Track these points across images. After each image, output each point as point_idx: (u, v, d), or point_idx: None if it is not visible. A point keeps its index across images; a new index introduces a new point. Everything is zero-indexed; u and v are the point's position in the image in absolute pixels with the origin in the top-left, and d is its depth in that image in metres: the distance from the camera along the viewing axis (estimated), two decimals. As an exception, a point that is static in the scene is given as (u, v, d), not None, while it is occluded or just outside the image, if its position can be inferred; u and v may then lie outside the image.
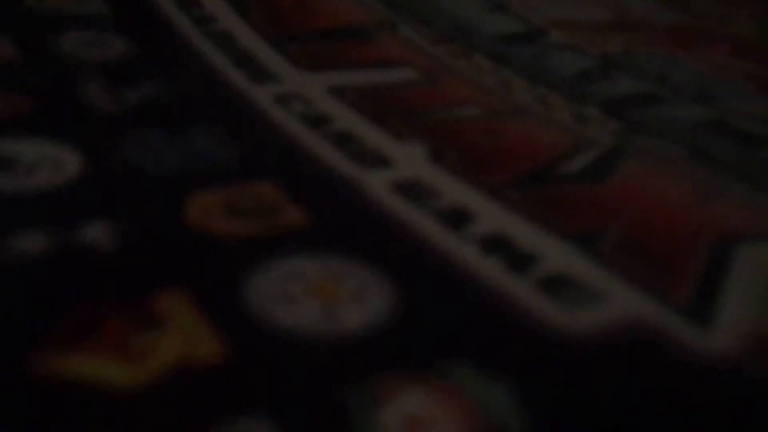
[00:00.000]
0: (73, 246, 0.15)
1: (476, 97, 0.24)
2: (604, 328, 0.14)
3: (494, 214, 0.18)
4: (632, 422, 0.13)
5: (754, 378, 0.14)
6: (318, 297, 0.14)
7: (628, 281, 0.16)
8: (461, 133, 0.21)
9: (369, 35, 0.27)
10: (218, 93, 0.22)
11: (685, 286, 0.16)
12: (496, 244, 0.17)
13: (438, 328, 0.14)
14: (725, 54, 0.29)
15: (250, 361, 0.13)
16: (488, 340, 0.14)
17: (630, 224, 0.18)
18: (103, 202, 0.17)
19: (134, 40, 0.24)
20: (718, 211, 0.19)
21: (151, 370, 0.12)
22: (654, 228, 0.18)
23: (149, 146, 0.19)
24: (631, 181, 0.20)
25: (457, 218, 0.17)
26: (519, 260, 0.16)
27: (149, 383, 0.12)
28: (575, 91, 0.25)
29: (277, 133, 0.21)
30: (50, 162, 0.18)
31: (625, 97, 0.25)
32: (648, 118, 0.23)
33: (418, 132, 0.21)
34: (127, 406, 0.12)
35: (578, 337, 0.14)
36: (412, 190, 0.18)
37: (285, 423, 0.12)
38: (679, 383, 0.13)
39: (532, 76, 0.25)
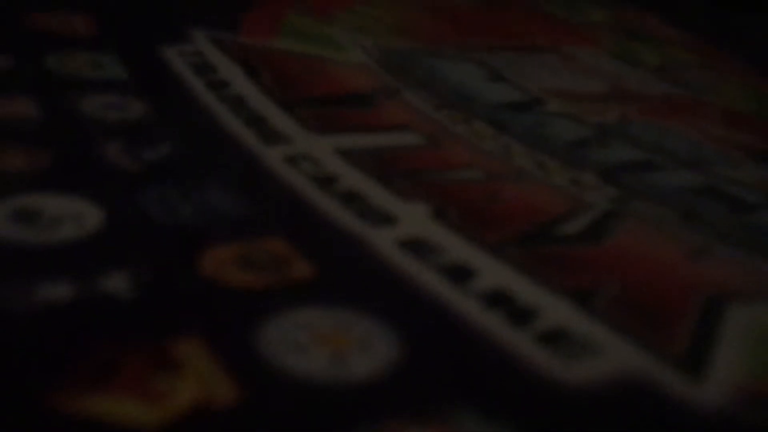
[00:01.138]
0: (94, 295, 0.16)
1: (477, 160, 0.25)
2: (600, 379, 0.15)
3: (495, 271, 0.18)
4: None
5: (744, 427, 0.14)
6: (326, 346, 0.15)
7: (623, 336, 0.16)
8: (463, 193, 0.22)
9: (374, 100, 0.28)
10: (231, 153, 0.23)
11: (679, 341, 0.16)
12: (497, 299, 0.17)
13: (441, 376, 0.15)
14: (716, 124, 0.31)
15: (263, 404, 0.13)
16: (489, 388, 0.14)
17: (625, 282, 0.18)
18: (123, 254, 0.17)
19: (152, 104, 0.26)
20: (710, 272, 0.19)
21: (169, 410, 0.13)
22: (648, 286, 0.18)
23: (165, 202, 0.20)
24: (626, 242, 0.21)
25: (459, 274, 0.18)
26: (519, 314, 0.17)
27: (169, 423, 0.13)
28: (573, 158, 0.25)
29: (287, 191, 0.21)
30: (73, 216, 0.19)
31: (620, 164, 0.26)
32: (642, 184, 0.24)
33: (421, 192, 0.22)
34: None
35: (575, 387, 0.15)
36: (416, 247, 0.19)
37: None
38: (672, 430, 0.14)
39: (531, 143, 0.26)
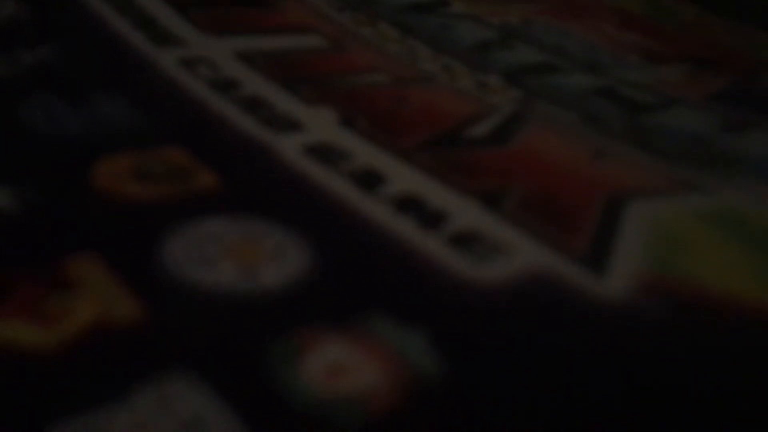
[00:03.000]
0: (-25, 213, 0.15)
1: (382, 64, 0.24)
2: (510, 277, 0.15)
3: (404, 176, 0.18)
4: (535, 357, 0.14)
5: (644, 316, 0.15)
6: (235, 258, 0.15)
7: (531, 235, 0.17)
8: (369, 98, 0.22)
9: (275, 1, 0.27)
10: (119, 57, 0.22)
11: (583, 238, 0.17)
12: (407, 204, 0.17)
13: (354, 283, 0.15)
14: (613, 26, 0.31)
15: (169, 321, 0.13)
16: (403, 292, 0.14)
17: (531, 183, 0.19)
18: (4, 170, 0.16)
19: (26, 1, 0.23)
20: (610, 171, 0.20)
21: (66, 332, 0.12)
22: (552, 186, 0.19)
23: (49, 111, 0.19)
24: (531, 144, 0.21)
25: (368, 180, 0.18)
26: (429, 218, 0.17)
27: (66, 345, 0.12)
28: (477, 60, 0.25)
29: (184, 97, 0.20)
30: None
31: (524, 66, 0.26)
32: (545, 86, 0.24)
33: (327, 97, 0.21)
34: (43, 368, 0.12)
35: (486, 286, 0.15)
36: (323, 154, 0.19)
37: (207, 378, 0.12)
38: (577, 322, 0.15)
39: (436, 46, 0.26)
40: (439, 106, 0.22)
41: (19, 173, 0.16)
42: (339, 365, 0.13)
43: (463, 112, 0.22)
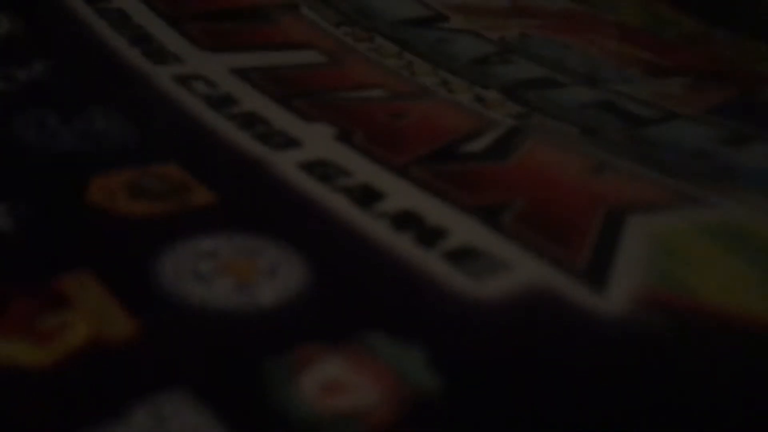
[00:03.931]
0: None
1: (381, 79, 0.24)
2: (509, 293, 0.15)
3: (403, 192, 0.18)
4: (535, 373, 0.13)
5: (644, 331, 0.15)
6: (231, 274, 0.15)
7: (530, 250, 0.16)
8: (367, 114, 0.22)
9: (271, 16, 0.27)
10: (115, 73, 0.22)
11: (582, 253, 0.17)
12: (405, 220, 0.17)
13: (351, 299, 0.14)
14: (613, 40, 0.31)
15: (164, 338, 0.13)
16: (401, 308, 0.14)
17: (530, 198, 0.19)
18: (-1, 185, 0.16)
19: (21, 18, 0.23)
20: (609, 185, 0.20)
21: (62, 349, 0.12)
22: (552, 201, 0.19)
23: (44, 126, 0.19)
24: (530, 158, 0.21)
25: (366, 196, 0.18)
26: (428, 234, 0.17)
27: (61, 362, 0.12)
28: (476, 75, 0.25)
29: (180, 114, 0.20)
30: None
31: (522, 81, 0.26)
32: (544, 101, 0.24)
33: (324, 113, 0.21)
34: (38, 385, 0.11)
35: (485, 302, 0.15)
36: (321, 170, 0.19)
37: (203, 395, 0.12)
38: (577, 337, 0.14)
39: (435, 60, 0.26)
40: (438, 121, 0.22)
41: (13, 189, 0.16)
42: (336, 382, 0.12)
43: (462, 126, 0.22)
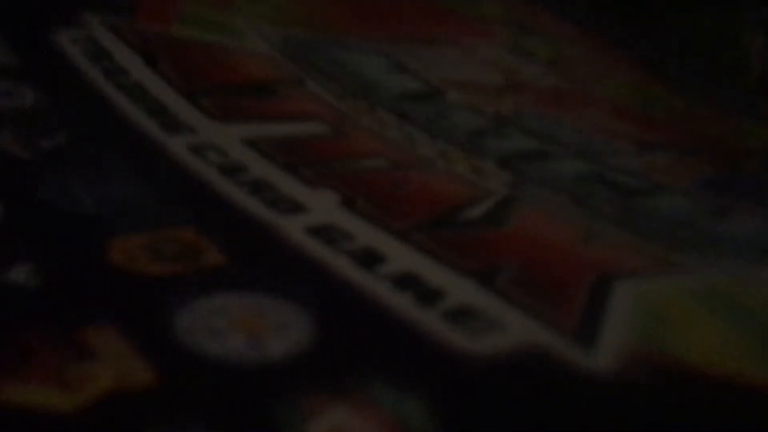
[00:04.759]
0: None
1: (382, 150, 0.25)
2: (503, 351, 0.16)
3: (403, 255, 0.19)
4: (527, 423, 0.14)
5: (632, 389, 0.15)
6: (242, 330, 0.15)
7: (523, 312, 0.17)
8: (369, 182, 0.23)
9: (278, 90, 0.28)
10: (133, 142, 0.23)
11: (573, 315, 0.18)
12: (406, 282, 0.18)
13: (355, 353, 0.15)
14: (604, 115, 0.32)
15: (181, 387, 0.14)
16: (402, 362, 0.15)
17: (524, 263, 0.20)
18: (26, 246, 0.17)
19: (45, 91, 0.25)
20: (599, 252, 0.21)
21: (87, 396, 0.13)
22: (544, 266, 0.20)
23: (67, 191, 0.20)
24: (524, 226, 0.22)
25: (369, 259, 0.19)
26: (427, 295, 0.18)
27: (88, 408, 0.13)
28: (473, 146, 0.26)
29: (194, 180, 0.21)
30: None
31: (517, 153, 0.27)
32: (537, 171, 0.26)
33: (329, 181, 0.22)
34: (67, 428, 0.12)
35: (481, 359, 0.16)
36: (326, 234, 0.20)
37: (217, 442, 0.13)
38: (567, 393, 0.15)
39: (433, 132, 0.27)
40: (436, 189, 0.23)
41: (40, 250, 0.17)
42: (342, 429, 0.13)
43: (460, 195, 0.23)
